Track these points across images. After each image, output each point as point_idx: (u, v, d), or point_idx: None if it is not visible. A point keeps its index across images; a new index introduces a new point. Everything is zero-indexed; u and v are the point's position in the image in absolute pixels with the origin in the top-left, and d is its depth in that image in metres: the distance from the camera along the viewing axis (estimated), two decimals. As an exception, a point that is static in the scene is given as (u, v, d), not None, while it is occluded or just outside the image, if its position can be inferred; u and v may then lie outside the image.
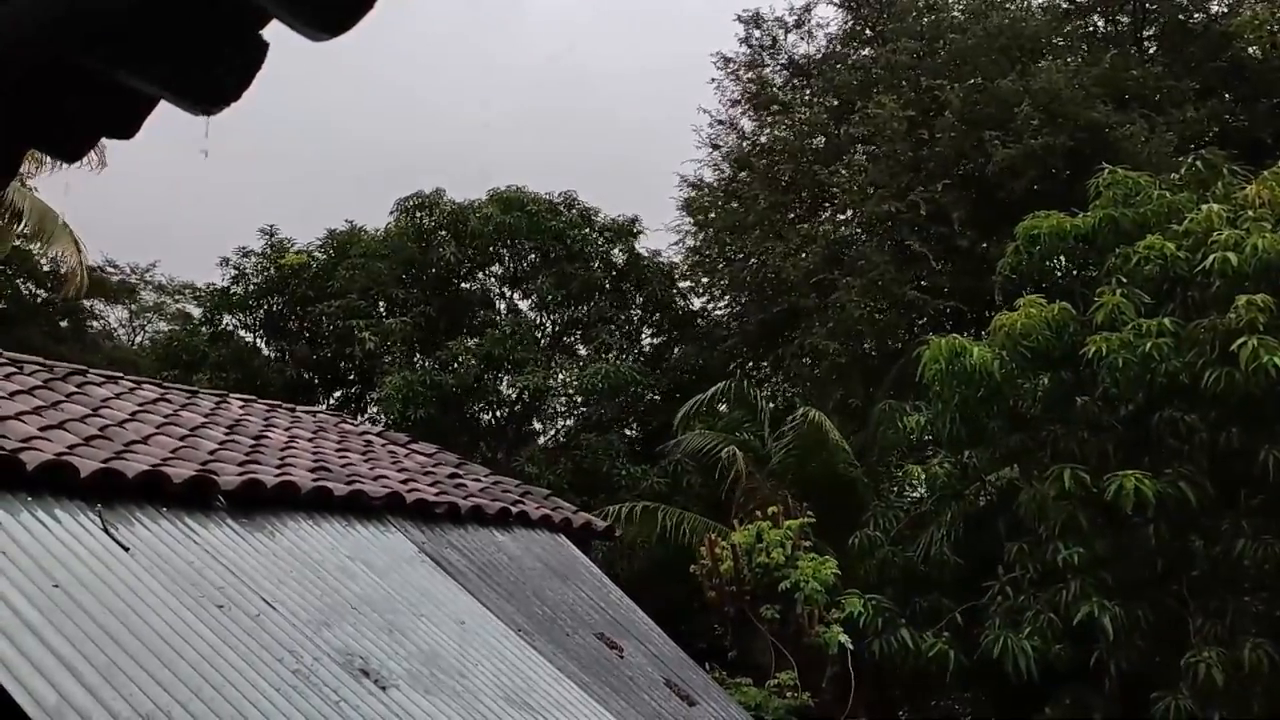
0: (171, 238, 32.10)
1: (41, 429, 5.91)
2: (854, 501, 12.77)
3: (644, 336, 19.59)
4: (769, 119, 18.82)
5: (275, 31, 1.43)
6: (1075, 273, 12.29)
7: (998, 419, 11.58)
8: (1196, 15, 17.69)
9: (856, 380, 15.80)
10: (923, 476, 12.77)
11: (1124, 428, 11.01)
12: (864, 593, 10.99)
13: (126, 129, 1.53)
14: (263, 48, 1.42)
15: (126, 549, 4.93)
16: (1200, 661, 9.64)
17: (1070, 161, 14.97)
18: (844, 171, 16.14)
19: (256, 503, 6.13)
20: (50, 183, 18.23)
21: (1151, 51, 18.08)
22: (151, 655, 4.12)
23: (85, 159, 18.06)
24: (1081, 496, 10.34)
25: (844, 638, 9.94)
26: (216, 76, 1.42)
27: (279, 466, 7.01)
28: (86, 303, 25.54)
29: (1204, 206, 10.79)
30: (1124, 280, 10.79)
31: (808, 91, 18.44)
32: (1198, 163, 12.03)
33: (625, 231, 19.01)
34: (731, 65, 19.53)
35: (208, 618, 4.68)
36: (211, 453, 6.80)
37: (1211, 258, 10.14)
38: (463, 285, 18.89)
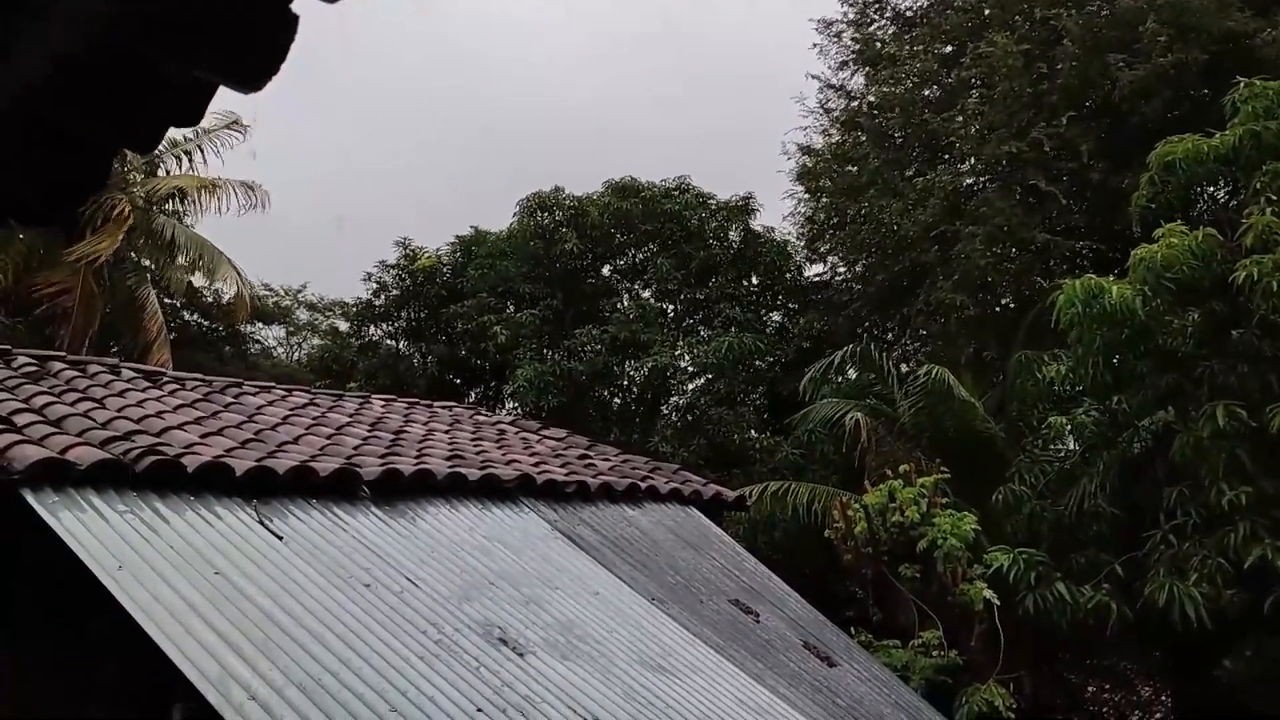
0: (319, 260, 34.12)
1: (202, 436, 6.44)
2: (993, 458, 12.32)
3: (765, 311, 19.47)
4: (878, 76, 18.29)
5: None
6: (1219, 197, 11.47)
7: (1146, 360, 10.93)
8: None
9: (988, 333, 15.21)
10: (1069, 428, 12.18)
11: (1287, 357, 10.22)
12: (1012, 549, 10.62)
13: (193, 116, 1.69)
14: (293, 20, 1.54)
15: (280, 538, 5.32)
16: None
17: (1207, 78, 13.91)
18: (958, 118, 15.50)
19: (397, 491, 6.49)
20: (208, 220, 19.84)
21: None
22: (304, 630, 4.45)
23: (250, 201, 19.46)
24: (1243, 433, 9.68)
25: (989, 593, 9.63)
26: (256, 53, 1.56)
27: (417, 457, 7.39)
28: (245, 327, 27.39)
29: (1362, 109, 9.90)
30: (1273, 199, 10.02)
31: (918, 46, 17.80)
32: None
33: (741, 210, 18.97)
34: (834, 28, 19.10)
35: (355, 595, 5.00)
36: (355, 448, 7.23)
37: (1374, 164, 9.31)
38: (587, 279, 19.24)
